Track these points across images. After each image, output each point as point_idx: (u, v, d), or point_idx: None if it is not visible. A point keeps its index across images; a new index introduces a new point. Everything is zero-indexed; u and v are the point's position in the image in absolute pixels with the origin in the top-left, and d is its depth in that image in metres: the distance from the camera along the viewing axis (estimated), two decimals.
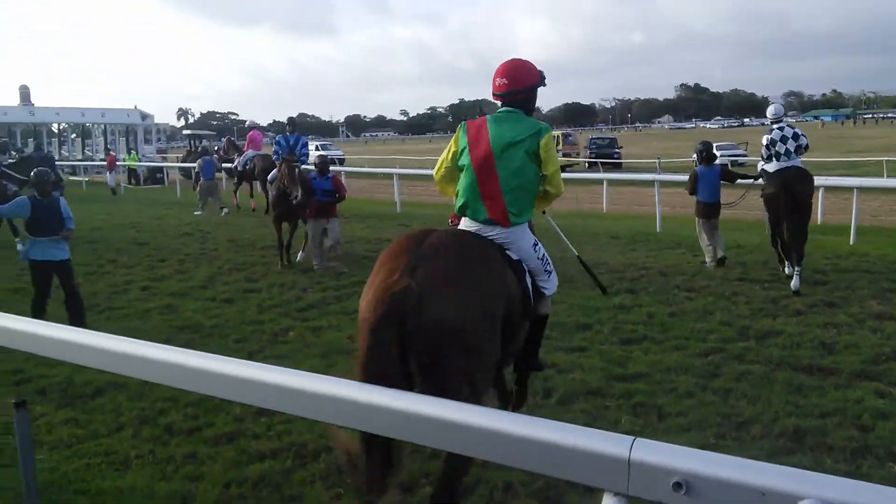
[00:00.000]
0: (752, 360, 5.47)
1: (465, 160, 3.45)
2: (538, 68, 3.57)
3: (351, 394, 2.35)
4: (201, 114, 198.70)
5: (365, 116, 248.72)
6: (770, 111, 9.06)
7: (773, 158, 8.38)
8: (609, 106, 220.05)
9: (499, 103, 3.54)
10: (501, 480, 3.66)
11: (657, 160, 31.63)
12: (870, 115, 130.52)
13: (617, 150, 37.08)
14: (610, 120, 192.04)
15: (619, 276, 8.88)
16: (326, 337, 6.61)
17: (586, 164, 35.26)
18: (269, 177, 11.85)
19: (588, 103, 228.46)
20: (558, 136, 37.62)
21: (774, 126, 8.53)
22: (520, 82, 3.47)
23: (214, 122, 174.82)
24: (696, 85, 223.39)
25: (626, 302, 7.49)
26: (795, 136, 8.31)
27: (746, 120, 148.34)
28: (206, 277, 9.44)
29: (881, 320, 6.42)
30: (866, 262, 9.16)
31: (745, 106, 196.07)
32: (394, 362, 2.72)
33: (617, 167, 33.88)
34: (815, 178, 9.21)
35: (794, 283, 7.61)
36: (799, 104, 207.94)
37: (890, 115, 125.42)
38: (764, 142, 8.56)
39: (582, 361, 5.63)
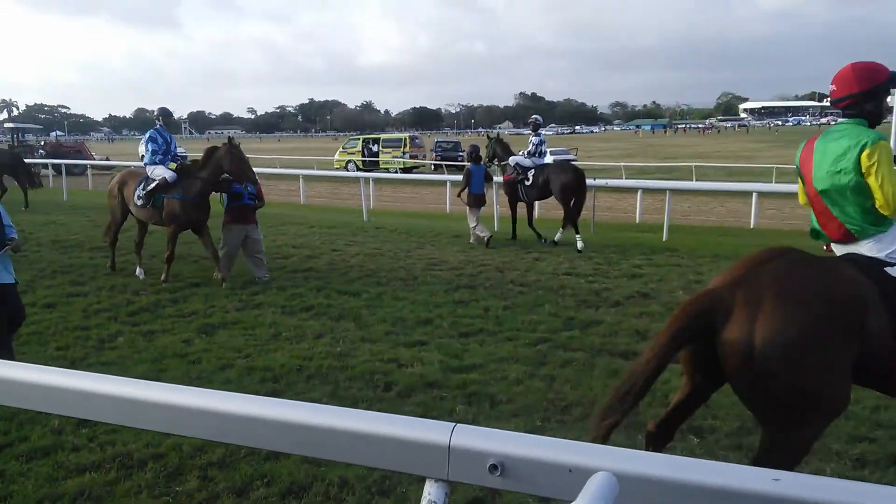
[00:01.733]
0: (575, 347, 5.89)
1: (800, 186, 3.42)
2: (883, 67, 3.19)
3: (182, 400, 2.27)
4: (27, 106, 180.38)
5: (210, 113, 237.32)
6: (537, 120, 12.47)
7: (540, 156, 12.05)
8: (454, 111, 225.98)
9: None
10: (337, 476, 3.67)
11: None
12: (683, 125, 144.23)
13: (460, 154, 38.16)
14: (455, 125, 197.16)
15: (458, 273, 9.19)
16: (159, 342, 6.26)
17: (432, 167, 36.08)
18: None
19: (435, 108, 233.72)
20: (405, 139, 38.16)
21: (540, 132, 12.16)
22: (843, 88, 3.18)
23: (43, 116, 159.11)
24: (534, 94, 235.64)
25: (464, 297, 7.76)
26: (543, 142, 12.20)
27: (578, 127, 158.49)
28: (24, 281, 8.55)
29: None
30: (676, 256, 10.15)
31: (578, 114, 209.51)
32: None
33: (460, 170, 34.90)
34: (636, 181, 11.54)
35: (580, 245, 10.87)
36: (623, 114, 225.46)
37: (699, 125, 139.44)
38: (535, 141, 11.94)
39: (422, 355, 5.77)
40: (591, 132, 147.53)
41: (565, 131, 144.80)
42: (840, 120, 3.21)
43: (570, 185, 11.33)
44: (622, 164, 34.32)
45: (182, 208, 8.45)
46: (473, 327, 6.59)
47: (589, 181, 12.10)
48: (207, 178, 8.47)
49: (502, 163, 12.40)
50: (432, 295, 7.86)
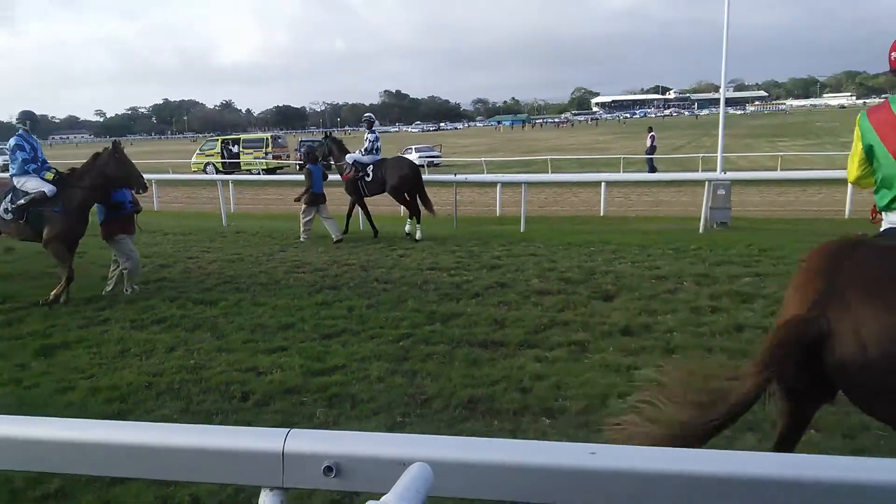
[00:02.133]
0: (437, 341, 5.98)
1: (879, 151, 3.17)
2: None
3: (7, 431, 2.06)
4: None
5: (53, 117, 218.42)
6: (371, 118, 12.88)
7: (376, 152, 12.33)
8: (319, 109, 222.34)
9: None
10: (188, 495, 3.51)
11: None
12: (541, 120, 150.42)
13: None
14: (321, 123, 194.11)
15: (322, 274, 9.06)
16: None
17: (297, 167, 35.23)
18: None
19: (299, 106, 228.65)
20: (267, 139, 37.07)
21: (374, 130, 12.49)
22: None
23: None
24: (398, 91, 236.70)
25: (328, 298, 7.66)
26: (378, 139, 12.45)
27: (442, 124, 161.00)
28: None
29: (542, 295, 7.47)
30: (533, 246, 10.57)
31: (442, 111, 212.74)
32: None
33: (327, 168, 34.42)
34: (495, 175, 12.33)
35: (419, 235, 11.49)
36: (485, 110, 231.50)
37: (555, 119, 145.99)
38: (371, 138, 12.27)
39: (282, 361, 5.64)
40: (456, 129, 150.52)
41: (430, 128, 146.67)
42: None
43: (407, 179, 11.90)
44: (483, 158, 35.21)
45: (64, 222, 7.71)
46: (336, 328, 6.52)
47: (449, 177, 12.47)
48: (89, 188, 7.84)
49: (339, 162, 12.61)
50: (294, 298, 7.70)
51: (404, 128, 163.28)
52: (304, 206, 12.04)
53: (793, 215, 15.87)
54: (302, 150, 13.51)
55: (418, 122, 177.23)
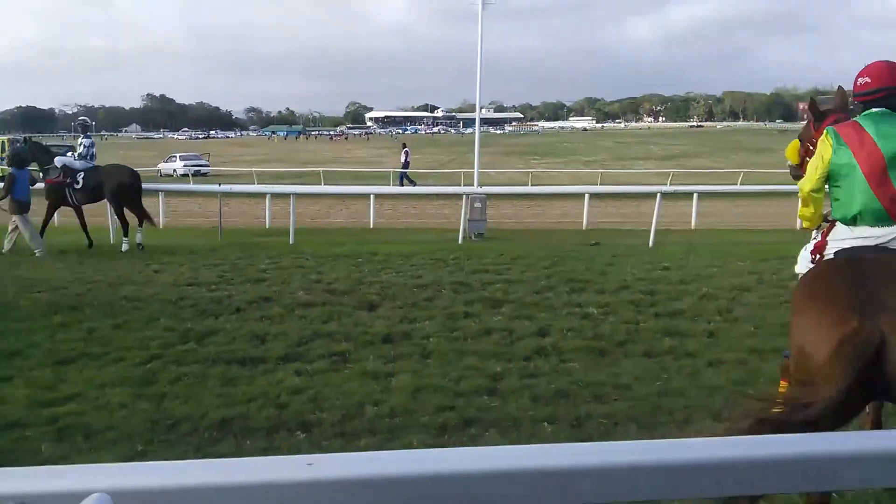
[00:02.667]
0: (190, 361, 5.64)
1: (852, 171, 3.20)
2: None
3: None
4: None
5: None
6: (86, 122, 12.99)
7: (91, 158, 11.78)
8: (71, 112, 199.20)
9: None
10: None
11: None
12: (316, 132, 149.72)
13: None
14: (72, 127, 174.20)
15: (62, 293, 8.14)
16: None
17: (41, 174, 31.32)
18: None
19: (46, 108, 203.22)
20: (2, 142, 32.48)
21: (90, 135, 12.32)
22: (878, 81, 3.30)
23: None
24: (163, 95, 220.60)
25: (67, 320, 6.88)
26: (94, 145, 12.01)
27: (213, 132, 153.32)
28: None
29: (307, 308, 7.40)
30: (301, 258, 10.46)
31: (213, 118, 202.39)
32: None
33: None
34: (264, 186, 12.14)
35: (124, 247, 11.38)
36: (259, 119, 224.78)
37: (331, 132, 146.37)
38: (86, 143, 11.81)
39: (4, 393, 4.96)
40: (228, 137, 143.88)
41: (199, 136, 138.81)
42: (874, 109, 3.30)
43: (125, 187, 11.62)
44: (255, 169, 34.17)
45: None
46: (74, 352, 5.87)
47: (214, 187, 11.97)
48: None
49: (46, 166, 11.83)
50: (25, 321, 6.81)
51: (170, 134, 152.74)
52: (12, 219, 10.92)
53: (540, 226, 17.52)
54: (7, 152, 12.40)
55: (186, 129, 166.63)
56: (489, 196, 14.59)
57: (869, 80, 3.30)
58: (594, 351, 5.92)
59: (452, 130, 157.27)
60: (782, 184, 26.83)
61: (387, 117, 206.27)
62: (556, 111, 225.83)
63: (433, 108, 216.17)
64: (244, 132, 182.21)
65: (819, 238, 3.51)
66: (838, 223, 3.36)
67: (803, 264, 3.58)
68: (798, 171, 4.15)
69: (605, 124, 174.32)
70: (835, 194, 3.36)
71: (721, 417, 4.41)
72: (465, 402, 4.83)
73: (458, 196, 15.39)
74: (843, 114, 3.82)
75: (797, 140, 4.27)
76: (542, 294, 8.04)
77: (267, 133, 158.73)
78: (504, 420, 4.59)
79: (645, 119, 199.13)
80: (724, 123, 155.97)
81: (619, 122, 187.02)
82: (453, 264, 10.12)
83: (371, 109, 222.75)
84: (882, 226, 3.17)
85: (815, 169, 3.37)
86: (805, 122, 4.25)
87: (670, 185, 22.92)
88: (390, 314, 7.16)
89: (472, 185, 18.60)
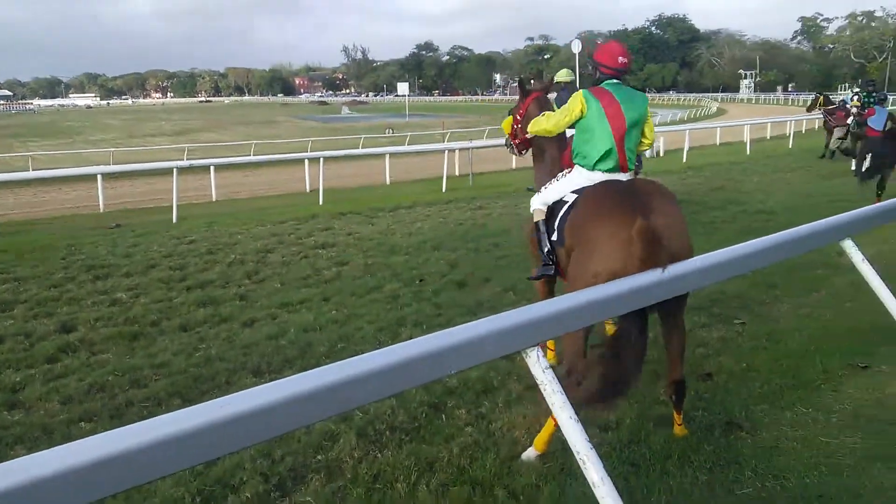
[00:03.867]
0: None
1: (595, 122, 3.89)
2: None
3: None
4: None
5: None
6: None
7: None
8: None
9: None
10: None
11: None
12: None
13: None
14: None
15: None
16: None
17: None
18: None
19: None
20: None
21: None
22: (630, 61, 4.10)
23: None
24: None
25: None
26: None
27: None
28: None
29: None
30: None
31: None
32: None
33: None
34: None
35: None
36: None
37: None
38: None
39: None
40: None
41: None
42: (613, 81, 3.95)
43: None
44: None
45: None
46: None
47: None
48: None
49: None
50: None
51: None
52: None
53: (51, 214, 15.58)
54: None
55: None
56: None
57: (625, 60, 3.96)
58: (127, 336, 5.70)
59: None
60: (289, 152, 29.32)
61: None
62: (53, 87, 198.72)
63: None
64: None
65: (558, 181, 4.16)
66: (576, 167, 4.04)
67: (539, 201, 4.21)
68: (511, 141, 4.93)
69: (110, 101, 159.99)
70: (579, 145, 4.01)
71: (259, 371, 4.80)
72: None
73: None
74: (544, 94, 4.80)
75: (510, 116, 4.92)
76: (61, 287, 7.28)
77: None
78: (31, 432, 4.14)
79: (153, 95, 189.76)
80: (232, 98, 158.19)
81: (127, 99, 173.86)
82: None
83: None
84: (613, 173, 3.92)
85: (563, 117, 4.06)
86: (518, 98, 4.86)
87: (186, 160, 22.74)
88: None
89: None
